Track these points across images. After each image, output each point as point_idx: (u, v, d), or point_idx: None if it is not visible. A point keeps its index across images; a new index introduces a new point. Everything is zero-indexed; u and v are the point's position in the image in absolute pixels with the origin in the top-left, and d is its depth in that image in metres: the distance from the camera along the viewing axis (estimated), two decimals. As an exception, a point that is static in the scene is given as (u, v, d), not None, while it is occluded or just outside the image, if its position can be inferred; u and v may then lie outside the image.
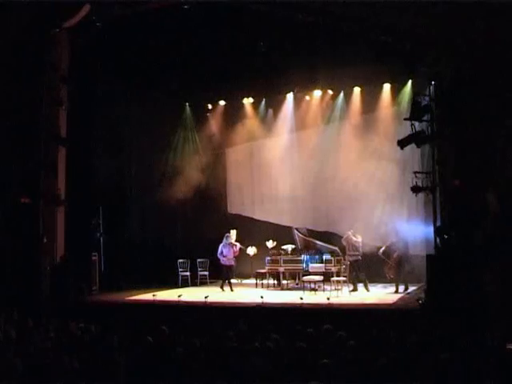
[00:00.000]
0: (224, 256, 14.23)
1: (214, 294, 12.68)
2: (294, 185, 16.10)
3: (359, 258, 13.50)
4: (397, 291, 13.01)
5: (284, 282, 14.56)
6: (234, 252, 14.30)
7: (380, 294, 13.16)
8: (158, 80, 15.10)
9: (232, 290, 14.04)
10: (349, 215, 14.76)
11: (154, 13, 12.16)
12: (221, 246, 14.34)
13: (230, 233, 14.98)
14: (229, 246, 14.25)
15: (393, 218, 14.38)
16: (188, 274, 15.28)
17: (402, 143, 11.56)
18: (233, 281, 14.63)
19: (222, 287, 14.17)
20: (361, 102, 15.31)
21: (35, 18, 11.79)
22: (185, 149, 17.07)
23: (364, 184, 14.99)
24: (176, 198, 15.66)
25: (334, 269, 13.43)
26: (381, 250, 13.44)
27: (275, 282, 14.47)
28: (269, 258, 14.37)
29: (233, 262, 14.33)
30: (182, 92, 16.13)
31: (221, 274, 14.60)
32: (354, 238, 13.54)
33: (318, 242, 14.37)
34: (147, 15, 12.20)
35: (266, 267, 14.35)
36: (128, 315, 10.79)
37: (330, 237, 14.89)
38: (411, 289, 13.24)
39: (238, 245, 14.40)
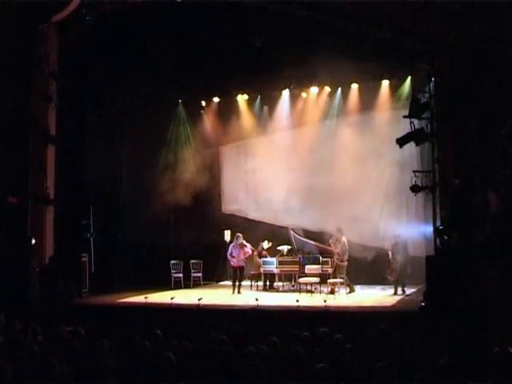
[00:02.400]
0: (233, 257, 14.18)
1: (207, 296, 12.66)
2: (290, 184, 16.09)
3: (341, 261, 13.52)
4: (395, 293, 13.04)
5: (280, 283, 14.57)
6: (245, 253, 14.23)
7: (378, 296, 13.17)
8: (150, 76, 15.05)
9: (239, 293, 13.91)
10: (346, 215, 14.79)
11: (146, 7, 12.12)
12: (231, 246, 14.32)
13: (224, 233, 15.01)
14: (239, 246, 14.19)
15: (392, 218, 14.43)
16: (181, 275, 15.24)
17: (400, 141, 11.55)
18: (227, 282, 14.64)
19: (234, 290, 13.95)
20: (358, 98, 15.32)
21: (23, 12, 11.74)
22: (178, 147, 17.05)
23: (362, 183, 15.02)
24: (169, 197, 15.64)
25: (330, 270, 13.46)
26: (390, 254, 13.37)
27: (267, 284, 14.45)
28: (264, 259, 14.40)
29: (243, 263, 14.24)
30: (175, 88, 16.08)
31: (229, 276, 14.57)
32: (334, 246, 13.59)
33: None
34: (139, 10, 12.17)
35: (261, 269, 14.35)
36: (119, 318, 10.76)
37: (326, 238, 14.86)
38: (410, 291, 13.27)
39: (248, 245, 14.32)
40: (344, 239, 13.68)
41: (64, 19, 12.49)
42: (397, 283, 13.16)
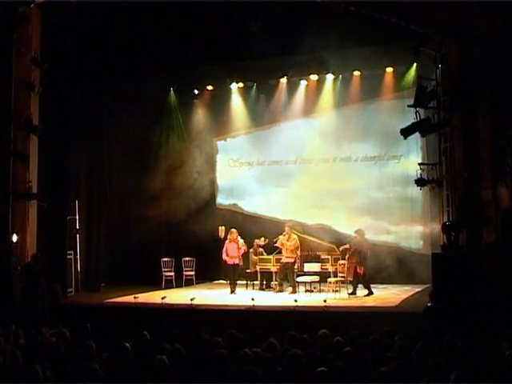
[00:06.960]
0: (227, 254, 14.16)
1: (200, 296, 12.65)
2: (287, 177, 16.08)
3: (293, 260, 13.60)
4: (353, 293, 12.97)
5: (276, 282, 14.56)
6: (239, 248, 14.19)
7: (381, 296, 13.15)
8: (139, 63, 14.95)
9: (234, 292, 13.87)
10: (347, 209, 14.82)
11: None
12: (226, 243, 14.31)
13: (219, 229, 14.99)
14: (233, 243, 14.18)
15: (395, 212, 14.48)
16: (172, 274, 15.22)
17: (405, 132, 11.50)
18: (221, 281, 14.61)
19: (231, 290, 14.00)
20: (361, 86, 15.25)
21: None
22: (170, 138, 16.96)
23: (363, 175, 15.07)
24: (160, 191, 15.60)
25: (331, 268, 13.46)
26: (341, 248, 13.45)
27: (263, 282, 14.45)
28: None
29: (238, 261, 14.20)
30: (166, 76, 15.95)
31: (224, 275, 14.58)
32: (285, 240, 13.65)
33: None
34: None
35: (258, 267, 14.34)
36: (107, 319, 10.75)
37: (324, 232, 14.84)
38: (415, 290, 13.27)
39: (241, 241, 14.26)
40: (295, 236, 13.73)
41: (47, 1, 12.38)
42: (354, 282, 13.07)
